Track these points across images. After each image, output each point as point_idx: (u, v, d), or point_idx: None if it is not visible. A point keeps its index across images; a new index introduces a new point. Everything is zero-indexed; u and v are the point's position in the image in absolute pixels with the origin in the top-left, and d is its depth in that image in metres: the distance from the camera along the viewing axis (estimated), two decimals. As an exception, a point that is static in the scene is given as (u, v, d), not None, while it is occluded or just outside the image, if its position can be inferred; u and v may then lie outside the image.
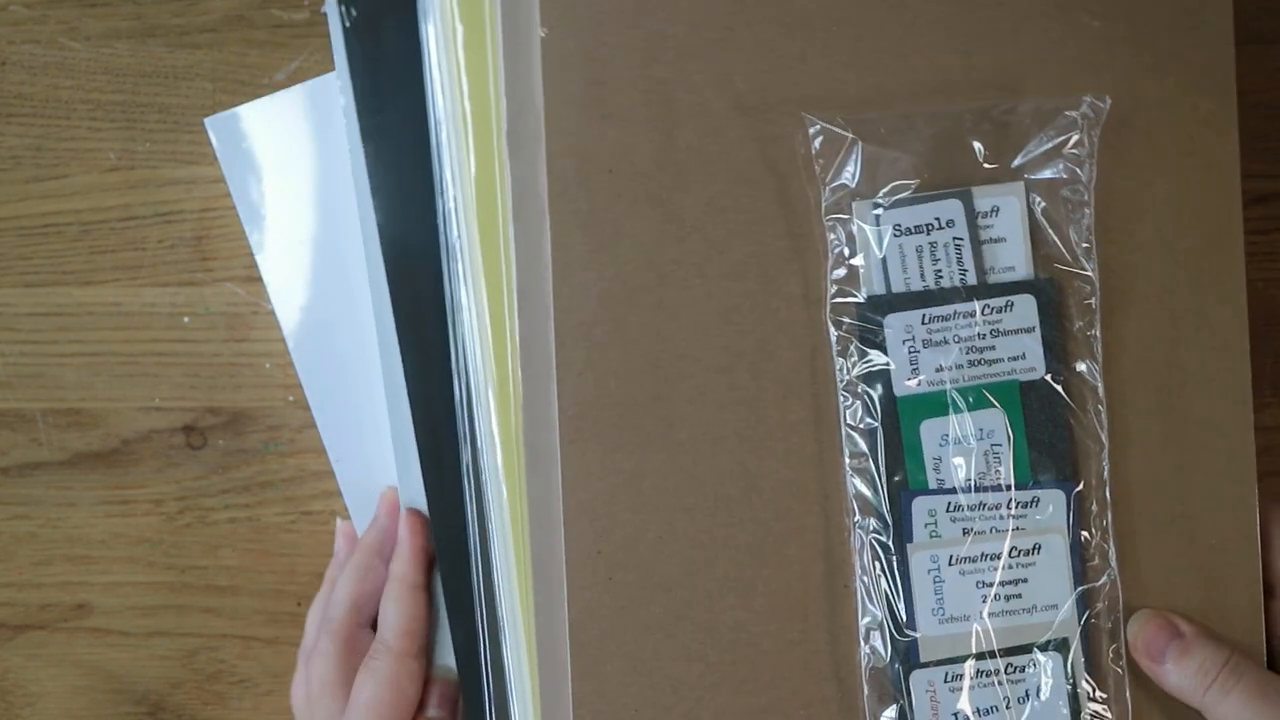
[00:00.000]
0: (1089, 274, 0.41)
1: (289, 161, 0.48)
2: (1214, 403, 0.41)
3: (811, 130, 0.40)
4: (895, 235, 0.41)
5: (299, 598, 0.49)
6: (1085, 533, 0.41)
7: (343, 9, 0.44)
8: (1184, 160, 0.42)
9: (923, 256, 0.41)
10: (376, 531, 0.46)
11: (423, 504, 0.45)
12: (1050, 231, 0.41)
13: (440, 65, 0.42)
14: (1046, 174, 0.41)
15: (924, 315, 0.40)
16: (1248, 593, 0.41)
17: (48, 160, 0.49)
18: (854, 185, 0.40)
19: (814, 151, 0.40)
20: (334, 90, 0.48)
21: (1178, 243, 0.42)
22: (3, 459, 0.49)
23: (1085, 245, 0.41)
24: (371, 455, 0.48)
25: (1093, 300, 0.41)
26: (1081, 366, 0.41)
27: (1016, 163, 0.41)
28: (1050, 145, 0.41)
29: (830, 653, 0.40)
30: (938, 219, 0.41)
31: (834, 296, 0.40)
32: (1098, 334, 0.41)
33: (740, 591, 0.40)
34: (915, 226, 0.41)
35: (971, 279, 0.41)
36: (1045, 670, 0.40)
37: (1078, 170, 0.41)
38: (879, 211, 0.41)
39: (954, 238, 0.41)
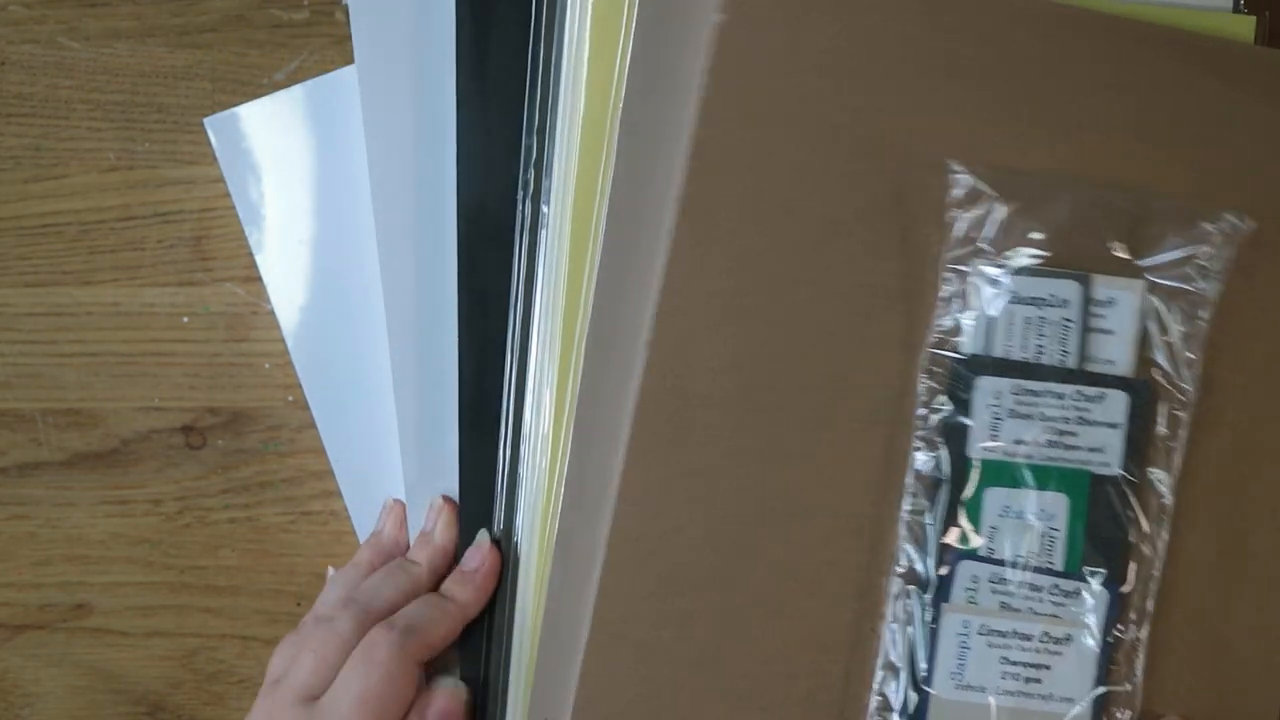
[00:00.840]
0: (1187, 388, 0.41)
1: (289, 161, 0.48)
2: (1274, 543, 0.41)
3: (954, 177, 0.40)
4: (1009, 301, 0.40)
5: (299, 598, 0.49)
6: (1119, 635, 0.40)
7: None
8: None
9: (1030, 328, 0.40)
10: (437, 554, 0.44)
11: (427, 483, 0.46)
12: (1159, 336, 0.41)
13: (560, 38, 0.43)
14: (1171, 280, 0.40)
15: (1016, 385, 0.40)
16: None
17: (47, 160, 0.49)
18: (981, 242, 0.40)
19: (950, 199, 0.40)
20: (334, 90, 0.48)
21: None
22: (2, 459, 0.49)
23: (1190, 357, 0.40)
24: (371, 455, 0.48)
25: (1183, 414, 0.41)
26: (1156, 474, 0.41)
27: (1145, 262, 0.40)
28: (1182, 253, 0.40)
29: (840, 691, 0.40)
30: (1054, 295, 0.40)
31: (933, 345, 0.40)
32: (1180, 447, 0.41)
33: (768, 608, 0.40)
34: (1031, 298, 0.40)
35: (1071, 362, 0.40)
36: None
37: (1203, 284, 0.40)
38: (999, 274, 0.40)
39: (1065, 318, 0.40)
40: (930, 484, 0.40)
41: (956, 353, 0.40)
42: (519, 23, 0.44)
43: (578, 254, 0.42)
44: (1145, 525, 0.40)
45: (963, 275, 0.40)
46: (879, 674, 0.40)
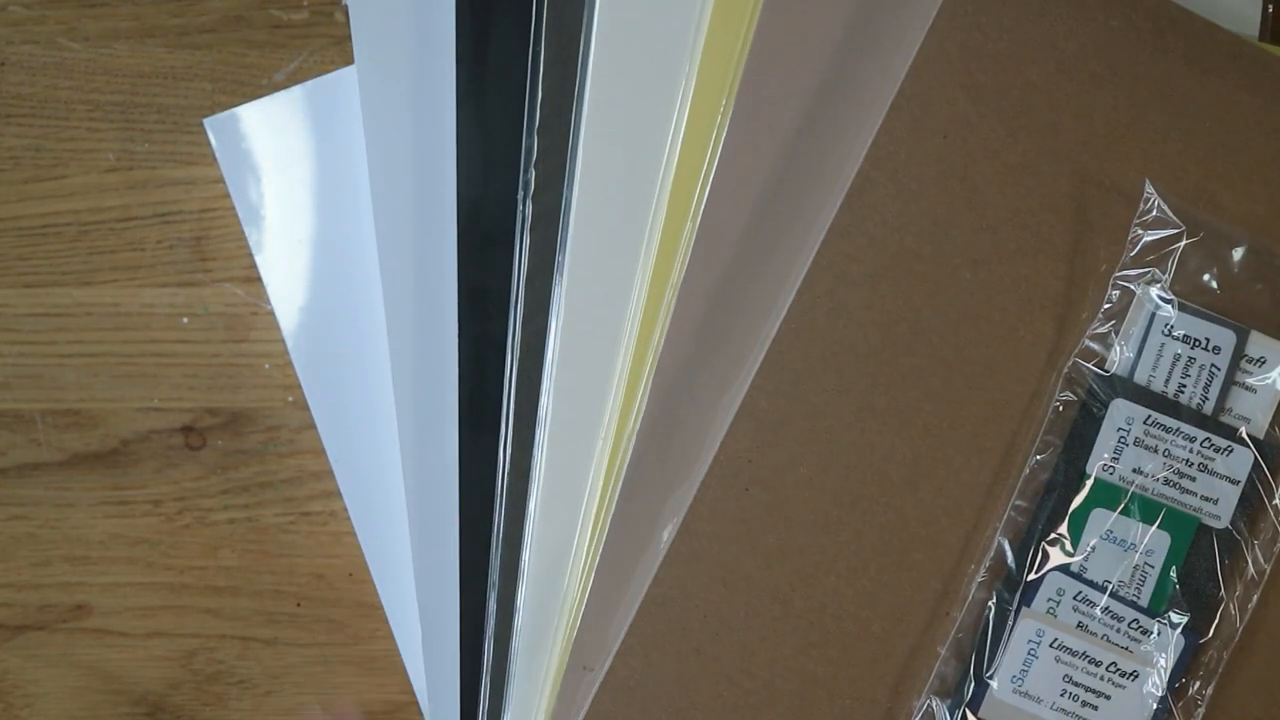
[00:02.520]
0: None
1: (288, 162, 0.48)
2: None
3: (1149, 199, 0.40)
4: (1164, 334, 0.40)
5: (298, 598, 0.49)
6: (1185, 685, 0.40)
7: None
8: None
9: (1177, 365, 0.41)
10: None
11: (427, 483, 0.46)
12: None
13: (607, 36, 0.43)
14: None
15: (1149, 416, 0.41)
16: None
17: (46, 161, 0.49)
18: (1155, 268, 0.40)
19: (1138, 219, 0.40)
20: (334, 90, 0.48)
21: None
22: (2, 459, 0.49)
23: None
24: (371, 455, 0.48)
25: None
26: (1261, 540, 0.41)
27: None
28: None
29: (903, 665, 0.40)
30: (1209, 340, 0.41)
31: (1080, 354, 0.40)
32: None
33: (852, 565, 0.40)
34: (1186, 336, 0.41)
35: (1208, 409, 0.41)
36: None
37: None
38: (1165, 305, 0.40)
39: (1213, 364, 0.41)
40: (1040, 489, 0.40)
41: (1100, 368, 0.40)
42: (519, 23, 0.44)
43: (672, 233, 0.43)
44: (1238, 586, 0.41)
45: (1128, 295, 0.40)
46: (944, 656, 0.40)
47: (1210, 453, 0.41)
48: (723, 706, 0.40)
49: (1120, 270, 0.40)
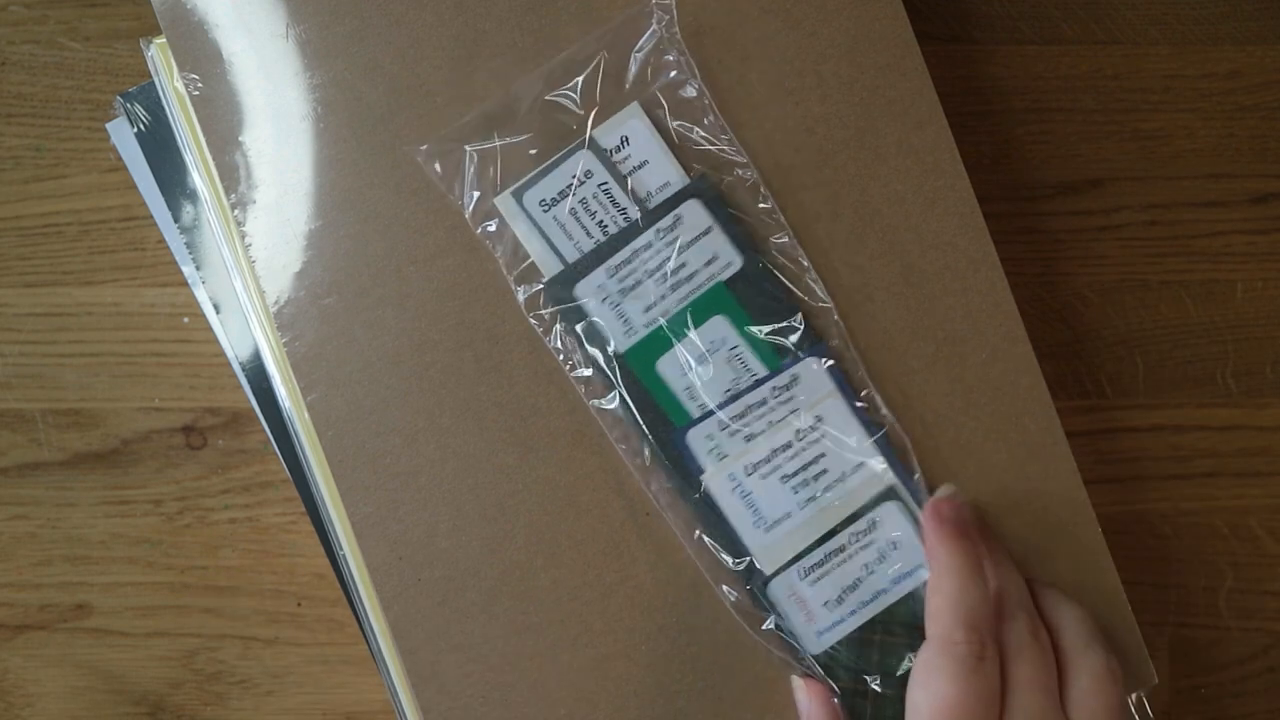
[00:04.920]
0: (740, 159, 0.41)
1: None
2: (944, 223, 0.41)
3: (421, 157, 0.41)
4: (544, 210, 0.41)
5: (299, 598, 0.49)
6: (850, 381, 0.41)
7: (133, 115, 0.46)
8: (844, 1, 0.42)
9: (579, 217, 0.41)
10: None
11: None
12: (686, 134, 0.41)
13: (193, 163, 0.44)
14: (654, 85, 0.41)
15: (606, 269, 0.40)
16: (1033, 390, 0.41)
17: (47, 160, 0.49)
18: (485, 186, 0.41)
19: (437, 174, 0.41)
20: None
21: (859, 82, 0.42)
22: (2, 459, 0.49)
23: (724, 135, 0.41)
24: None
25: (754, 176, 0.41)
26: (780, 241, 0.41)
27: (625, 88, 0.41)
28: (641, 57, 0.41)
29: (653, 580, 0.40)
30: (576, 175, 0.41)
31: (524, 295, 0.41)
32: (779, 209, 0.41)
33: (547, 551, 0.40)
34: (559, 194, 0.41)
35: (634, 214, 0.41)
36: (886, 521, 0.40)
37: (681, 69, 0.41)
38: (517, 198, 0.41)
39: (599, 185, 0.41)
40: (613, 403, 0.41)
41: (542, 284, 0.41)
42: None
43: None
44: (804, 285, 0.41)
45: (496, 223, 0.41)
46: (708, 576, 0.40)
47: (670, 234, 0.40)
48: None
49: (470, 213, 0.41)
